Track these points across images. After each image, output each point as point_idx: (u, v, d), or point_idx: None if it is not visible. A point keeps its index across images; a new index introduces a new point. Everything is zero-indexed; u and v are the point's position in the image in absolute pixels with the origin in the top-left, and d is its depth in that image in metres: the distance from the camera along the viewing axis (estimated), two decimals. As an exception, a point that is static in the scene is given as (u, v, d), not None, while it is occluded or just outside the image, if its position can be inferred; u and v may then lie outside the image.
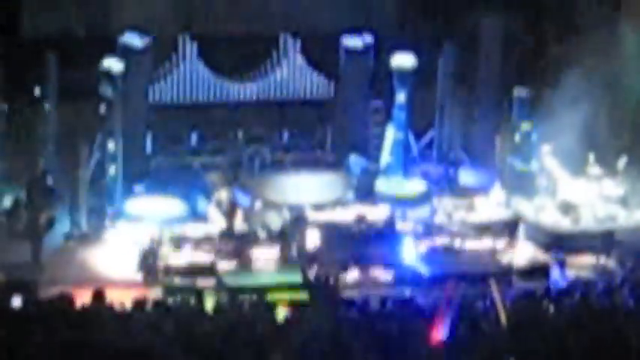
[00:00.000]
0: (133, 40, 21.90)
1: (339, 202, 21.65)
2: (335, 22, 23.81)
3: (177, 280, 19.31)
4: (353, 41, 23.50)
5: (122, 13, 22.43)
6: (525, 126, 22.55)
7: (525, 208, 21.48)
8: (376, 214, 20.87)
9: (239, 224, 20.27)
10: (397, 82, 22.77)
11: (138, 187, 21.41)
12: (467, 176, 22.95)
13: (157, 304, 15.33)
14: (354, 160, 23.02)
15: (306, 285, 18.06)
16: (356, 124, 23.73)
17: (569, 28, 23.64)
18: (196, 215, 20.75)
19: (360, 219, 20.64)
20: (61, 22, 22.73)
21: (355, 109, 23.71)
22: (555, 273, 19.95)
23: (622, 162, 21.81)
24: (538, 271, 19.71)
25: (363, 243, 20.38)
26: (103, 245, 19.97)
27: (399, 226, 20.69)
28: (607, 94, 22.28)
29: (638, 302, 15.76)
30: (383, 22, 24.14)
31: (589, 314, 14.66)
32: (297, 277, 18.89)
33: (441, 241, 20.50)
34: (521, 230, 20.89)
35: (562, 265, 20.00)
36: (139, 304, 15.01)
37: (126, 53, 21.82)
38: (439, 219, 21.00)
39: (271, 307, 14.75)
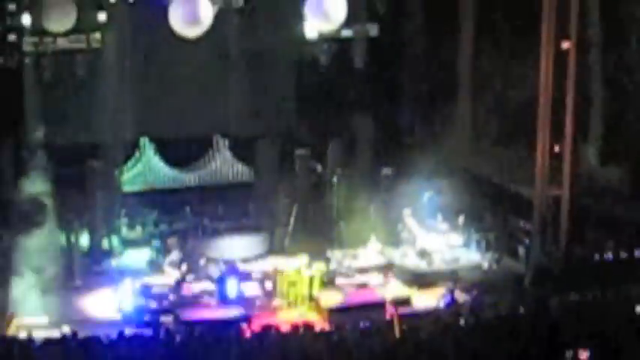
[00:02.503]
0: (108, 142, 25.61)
1: (259, 257, 24.98)
2: (252, 125, 27.18)
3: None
4: (265, 142, 26.94)
5: (100, 124, 25.28)
6: (390, 196, 26.24)
7: (394, 255, 24.56)
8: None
9: (188, 276, 23.42)
10: (299, 167, 26.68)
11: (117, 249, 24.80)
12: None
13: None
14: None
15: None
16: (269, 199, 26.81)
17: (419, 122, 27.95)
18: (156, 269, 23.92)
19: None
20: (57, 135, 25.41)
21: (268, 189, 26.82)
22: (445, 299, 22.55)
23: (461, 219, 25.27)
24: (405, 301, 22.31)
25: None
26: (92, 294, 22.95)
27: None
28: (449, 175, 26.09)
29: (479, 320, 18.42)
30: (287, 125, 28.01)
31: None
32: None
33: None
34: (392, 271, 23.91)
35: (452, 293, 22.57)
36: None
37: (103, 153, 25.35)
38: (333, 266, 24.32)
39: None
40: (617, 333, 15.75)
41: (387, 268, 24.17)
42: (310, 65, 27.48)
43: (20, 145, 25.40)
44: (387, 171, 26.38)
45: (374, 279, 24.02)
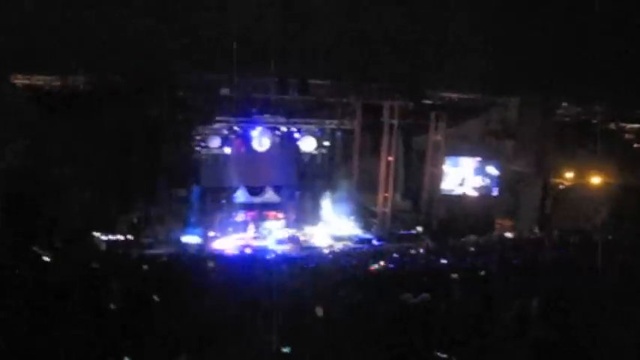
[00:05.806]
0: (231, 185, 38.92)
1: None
2: (284, 180, 42.59)
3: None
4: (289, 186, 41.78)
5: (227, 178, 39.00)
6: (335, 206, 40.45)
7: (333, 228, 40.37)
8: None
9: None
10: (305, 198, 41.04)
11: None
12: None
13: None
14: None
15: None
16: (298, 206, 41.99)
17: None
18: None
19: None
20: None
21: (292, 205, 42.30)
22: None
23: (352, 217, 41.22)
24: (331, 245, 37.04)
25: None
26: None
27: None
28: (347, 201, 41.12)
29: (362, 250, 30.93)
30: (294, 180, 42.49)
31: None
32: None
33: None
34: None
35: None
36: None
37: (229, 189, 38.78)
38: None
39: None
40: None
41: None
42: (304, 161, 43.18)
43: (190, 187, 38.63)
44: (332, 197, 41.87)
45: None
